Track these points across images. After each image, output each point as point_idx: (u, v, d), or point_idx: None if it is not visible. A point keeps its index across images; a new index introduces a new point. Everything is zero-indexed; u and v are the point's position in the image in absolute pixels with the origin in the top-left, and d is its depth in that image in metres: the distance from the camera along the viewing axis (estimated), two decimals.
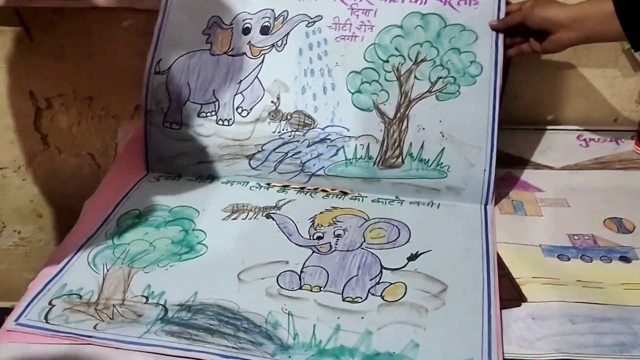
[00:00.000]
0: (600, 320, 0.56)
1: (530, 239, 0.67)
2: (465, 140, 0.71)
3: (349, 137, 0.74)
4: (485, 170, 0.71)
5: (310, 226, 0.70)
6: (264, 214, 0.72)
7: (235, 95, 0.77)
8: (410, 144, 0.73)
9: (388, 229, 0.69)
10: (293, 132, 0.76)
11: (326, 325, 0.56)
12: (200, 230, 0.70)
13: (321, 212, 0.72)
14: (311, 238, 0.68)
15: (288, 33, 0.77)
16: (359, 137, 0.74)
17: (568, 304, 0.57)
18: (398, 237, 0.68)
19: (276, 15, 0.78)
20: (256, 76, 0.77)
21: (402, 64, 0.74)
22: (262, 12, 0.78)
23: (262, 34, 0.78)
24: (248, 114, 0.77)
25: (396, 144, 0.73)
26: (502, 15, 0.72)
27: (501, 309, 0.57)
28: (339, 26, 0.76)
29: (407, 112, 0.73)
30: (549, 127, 0.86)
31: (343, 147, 0.75)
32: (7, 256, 1.07)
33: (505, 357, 0.52)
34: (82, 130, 0.99)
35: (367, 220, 0.71)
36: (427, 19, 0.73)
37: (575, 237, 0.67)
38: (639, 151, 0.80)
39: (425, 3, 0.74)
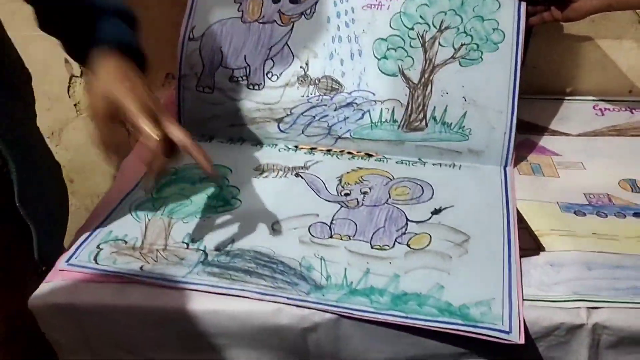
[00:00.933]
0: (615, 267, 0.59)
1: (548, 196, 0.70)
2: (487, 104, 0.74)
3: (374, 101, 0.78)
4: (505, 133, 0.74)
5: (338, 184, 0.74)
6: (293, 173, 0.76)
7: (265, 60, 0.81)
8: (434, 108, 0.76)
9: (412, 187, 0.72)
10: (321, 97, 0.79)
11: (356, 269, 0.60)
12: (234, 186, 0.74)
13: (347, 172, 0.76)
14: (339, 195, 0.72)
15: (317, 2, 0.81)
16: (385, 101, 0.78)
17: (584, 253, 0.61)
18: (422, 194, 0.71)
19: None
20: (286, 42, 0.81)
21: (426, 32, 0.77)
22: None
23: (292, 2, 0.81)
24: (278, 78, 0.80)
25: (420, 108, 0.76)
26: None
27: (521, 257, 0.61)
28: None
29: (431, 77, 0.76)
30: (566, 97, 0.89)
31: (369, 110, 0.78)
32: None
33: (525, 299, 0.56)
34: None
35: (392, 180, 0.74)
36: None
37: (591, 196, 0.70)
38: None
39: None
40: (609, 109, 0.87)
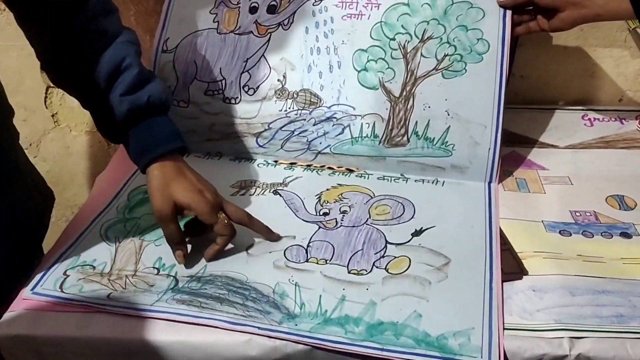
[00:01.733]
0: (600, 292, 0.57)
1: (533, 215, 0.68)
2: (471, 118, 0.72)
3: (355, 115, 0.75)
4: (490, 149, 0.72)
5: (317, 202, 0.71)
6: (271, 190, 0.74)
7: (241, 73, 0.78)
8: (416, 122, 0.74)
9: (393, 206, 0.70)
10: (299, 111, 0.77)
11: (332, 295, 0.58)
12: None
13: (327, 189, 0.74)
14: (317, 214, 0.69)
15: (295, 12, 0.78)
16: (365, 115, 0.75)
17: (568, 277, 0.59)
18: (403, 213, 0.69)
19: None
20: (262, 54, 0.78)
21: (408, 42, 0.74)
22: None
23: (269, 13, 0.79)
24: (255, 92, 0.78)
25: (402, 123, 0.74)
26: None
27: (503, 282, 0.59)
28: (345, 4, 0.77)
29: (413, 90, 0.73)
30: (554, 107, 0.87)
31: (349, 125, 0.76)
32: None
33: (506, 327, 0.54)
34: None
35: (372, 197, 0.72)
36: None
37: (577, 214, 0.68)
38: None
39: None
40: (598, 119, 0.84)
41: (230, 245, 0.64)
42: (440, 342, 0.52)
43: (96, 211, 0.71)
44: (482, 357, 0.51)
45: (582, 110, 0.86)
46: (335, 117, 0.76)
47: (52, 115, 1.01)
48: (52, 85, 0.99)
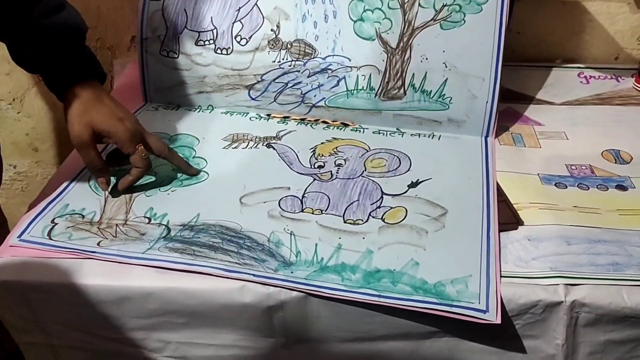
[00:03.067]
0: (596, 242, 0.57)
1: (529, 168, 0.67)
2: (469, 70, 0.71)
3: (350, 67, 0.73)
4: (487, 102, 0.71)
5: (311, 156, 0.70)
6: (265, 144, 0.72)
7: (233, 23, 0.75)
8: (413, 74, 0.72)
9: (389, 159, 0.69)
10: (293, 62, 0.74)
11: (328, 244, 0.57)
12: (201, 157, 0.70)
13: (322, 143, 0.72)
14: (312, 167, 0.68)
15: None
16: (361, 67, 0.73)
17: (564, 226, 0.58)
18: (399, 166, 0.68)
19: None
20: (255, 3, 0.75)
21: None
22: None
23: None
24: (247, 42, 0.75)
25: (398, 75, 0.72)
26: None
27: (499, 231, 0.58)
28: None
29: (410, 42, 0.72)
30: (550, 64, 0.86)
31: (344, 77, 0.74)
32: (4, 191, 1.06)
33: (502, 275, 0.53)
34: None
35: (368, 151, 0.71)
36: None
37: (573, 167, 0.67)
38: (639, 88, 0.81)
39: None
40: (594, 77, 0.84)
41: (223, 193, 0.63)
42: (437, 289, 0.52)
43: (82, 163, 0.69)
44: (479, 303, 0.50)
45: (579, 67, 0.85)
46: (330, 69, 0.74)
47: None
48: None
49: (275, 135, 0.74)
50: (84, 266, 0.55)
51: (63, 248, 0.56)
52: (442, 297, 0.51)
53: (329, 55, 0.74)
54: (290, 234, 0.58)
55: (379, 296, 0.51)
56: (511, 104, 0.79)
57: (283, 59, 0.74)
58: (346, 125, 0.76)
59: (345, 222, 0.60)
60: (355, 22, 0.73)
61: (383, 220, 0.60)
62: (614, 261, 0.55)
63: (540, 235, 0.58)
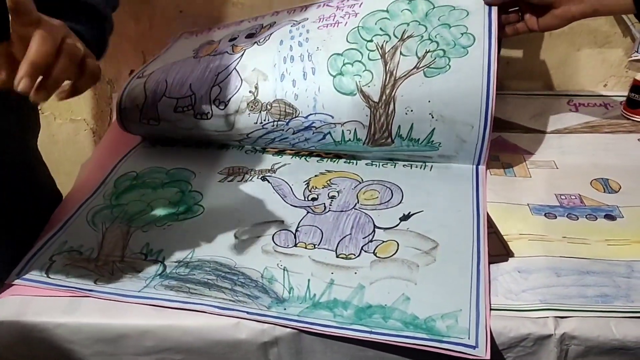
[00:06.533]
0: (585, 273, 0.58)
1: (519, 198, 0.68)
2: (457, 118, 0.68)
3: (334, 123, 0.71)
4: (477, 143, 0.69)
5: (305, 188, 0.71)
6: (260, 177, 0.74)
7: (212, 87, 0.73)
8: (399, 126, 0.70)
9: (381, 191, 0.70)
10: (275, 122, 0.73)
11: (320, 280, 0.58)
12: (197, 191, 0.71)
13: (315, 175, 0.74)
14: (306, 199, 0.69)
15: (272, 33, 0.76)
16: (345, 123, 0.71)
17: (554, 258, 0.59)
18: (391, 198, 0.69)
19: (263, 26, 0.79)
20: (234, 67, 0.74)
21: (386, 42, 0.69)
22: (251, 25, 0.80)
23: (247, 37, 0.78)
24: (225, 106, 0.73)
25: (384, 128, 0.70)
26: None
27: (489, 264, 0.59)
28: (322, 18, 0.75)
29: (393, 93, 0.68)
30: (539, 93, 0.87)
31: (329, 132, 0.72)
32: None
33: (492, 308, 0.54)
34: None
35: (360, 182, 0.72)
36: (414, 3, 0.70)
37: (563, 197, 0.68)
38: (628, 115, 0.82)
39: None
40: (583, 104, 0.85)
41: (217, 228, 0.64)
42: (428, 324, 0.52)
43: (82, 198, 0.70)
44: (469, 338, 0.51)
45: (568, 95, 0.86)
46: (314, 126, 0.72)
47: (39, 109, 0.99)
48: None
49: (270, 168, 0.75)
50: (81, 304, 0.56)
51: (61, 287, 0.58)
52: (432, 332, 0.52)
53: (311, 114, 0.71)
54: (284, 270, 0.59)
55: (370, 332, 0.52)
56: (501, 133, 0.81)
57: (265, 120, 0.72)
58: (339, 157, 0.77)
59: (337, 256, 0.61)
60: (334, 77, 0.70)
61: (375, 255, 0.60)
62: (602, 292, 0.56)
63: (530, 267, 0.59)
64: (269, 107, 0.72)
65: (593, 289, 0.56)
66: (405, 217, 0.66)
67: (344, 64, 0.70)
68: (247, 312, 0.54)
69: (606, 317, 0.53)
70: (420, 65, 0.68)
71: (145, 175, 0.74)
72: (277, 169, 0.75)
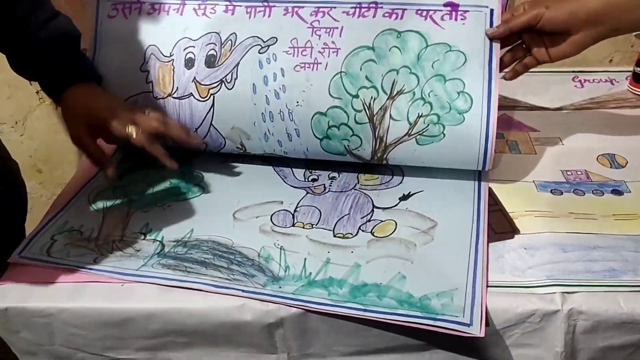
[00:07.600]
0: (591, 248, 0.56)
1: (524, 175, 0.67)
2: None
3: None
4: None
5: (305, 170, 0.71)
6: (261, 159, 0.73)
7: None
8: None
9: (382, 171, 0.69)
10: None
11: (316, 258, 0.57)
12: (198, 172, 0.71)
13: None
14: (306, 180, 0.69)
15: (238, 63, 0.65)
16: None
17: (560, 234, 0.58)
18: (391, 178, 0.68)
19: (223, 41, 0.66)
20: (210, 123, 0.67)
21: (374, 99, 0.62)
22: (206, 37, 0.67)
23: (208, 67, 0.67)
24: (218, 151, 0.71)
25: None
26: None
27: (495, 241, 0.58)
28: (297, 50, 0.64)
29: (385, 156, 0.65)
30: (544, 70, 0.85)
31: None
32: None
33: (498, 285, 0.53)
34: None
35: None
36: (404, 38, 0.62)
37: (569, 173, 0.67)
38: (633, 90, 0.80)
39: (401, 18, 0.63)
40: (588, 80, 0.83)
41: (216, 208, 0.64)
42: (423, 303, 0.52)
43: (85, 180, 0.71)
44: (464, 317, 0.50)
45: (573, 72, 0.84)
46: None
47: (37, 92, 1.00)
48: None
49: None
50: (86, 290, 0.56)
51: (61, 265, 0.58)
52: (427, 310, 0.51)
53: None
54: (280, 249, 0.59)
55: (364, 310, 0.51)
56: (506, 111, 0.79)
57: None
58: None
59: (335, 236, 0.60)
60: (321, 140, 0.65)
61: (372, 234, 0.60)
62: (609, 267, 0.54)
63: (536, 244, 0.57)
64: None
65: (600, 263, 0.55)
66: (404, 197, 0.65)
67: (329, 127, 0.64)
68: (242, 290, 0.54)
69: (614, 291, 0.52)
70: (412, 133, 0.63)
71: (146, 156, 0.73)
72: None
